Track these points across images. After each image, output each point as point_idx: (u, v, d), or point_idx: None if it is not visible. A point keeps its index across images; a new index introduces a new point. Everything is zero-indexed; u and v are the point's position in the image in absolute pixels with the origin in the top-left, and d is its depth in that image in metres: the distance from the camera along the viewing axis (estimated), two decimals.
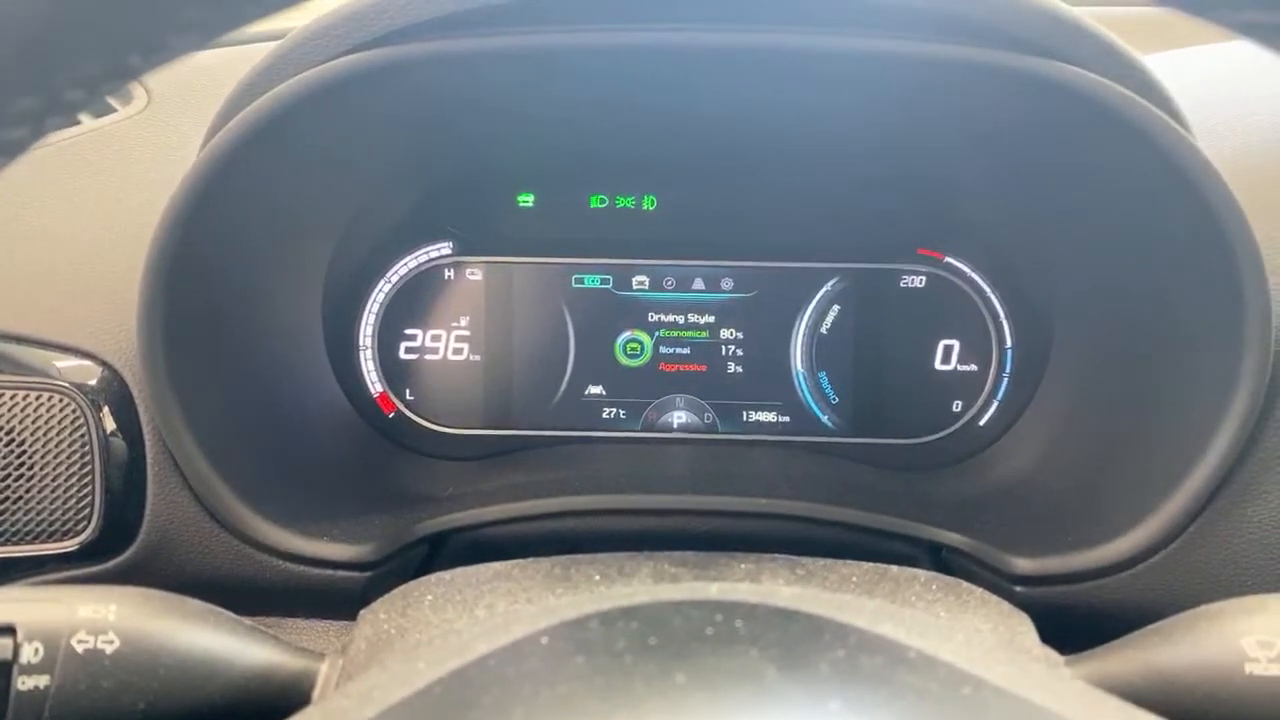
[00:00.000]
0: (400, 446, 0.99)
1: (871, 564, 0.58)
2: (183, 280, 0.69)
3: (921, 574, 0.57)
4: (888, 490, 0.94)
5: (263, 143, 0.68)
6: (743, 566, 0.53)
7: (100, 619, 0.48)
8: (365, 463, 0.93)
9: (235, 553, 0.73)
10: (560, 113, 0.87)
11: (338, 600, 0.77)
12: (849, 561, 0.58)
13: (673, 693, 0.30)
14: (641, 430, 1.01)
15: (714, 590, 0.42)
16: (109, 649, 0.47)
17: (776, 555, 0.57)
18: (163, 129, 0.81)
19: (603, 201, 0.99)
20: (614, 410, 1.01)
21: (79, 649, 0.47)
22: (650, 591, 0.42)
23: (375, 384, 0.99)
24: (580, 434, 1.01)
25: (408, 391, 1.00)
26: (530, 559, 0.59)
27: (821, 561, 0.56)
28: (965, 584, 0.58)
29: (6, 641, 0.46)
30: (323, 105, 0.69)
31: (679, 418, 1.01)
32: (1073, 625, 0.63)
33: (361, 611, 0.58)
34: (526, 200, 0.98)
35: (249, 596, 0.76)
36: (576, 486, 0.88)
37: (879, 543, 0.83)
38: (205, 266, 0.71)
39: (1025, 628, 0.53)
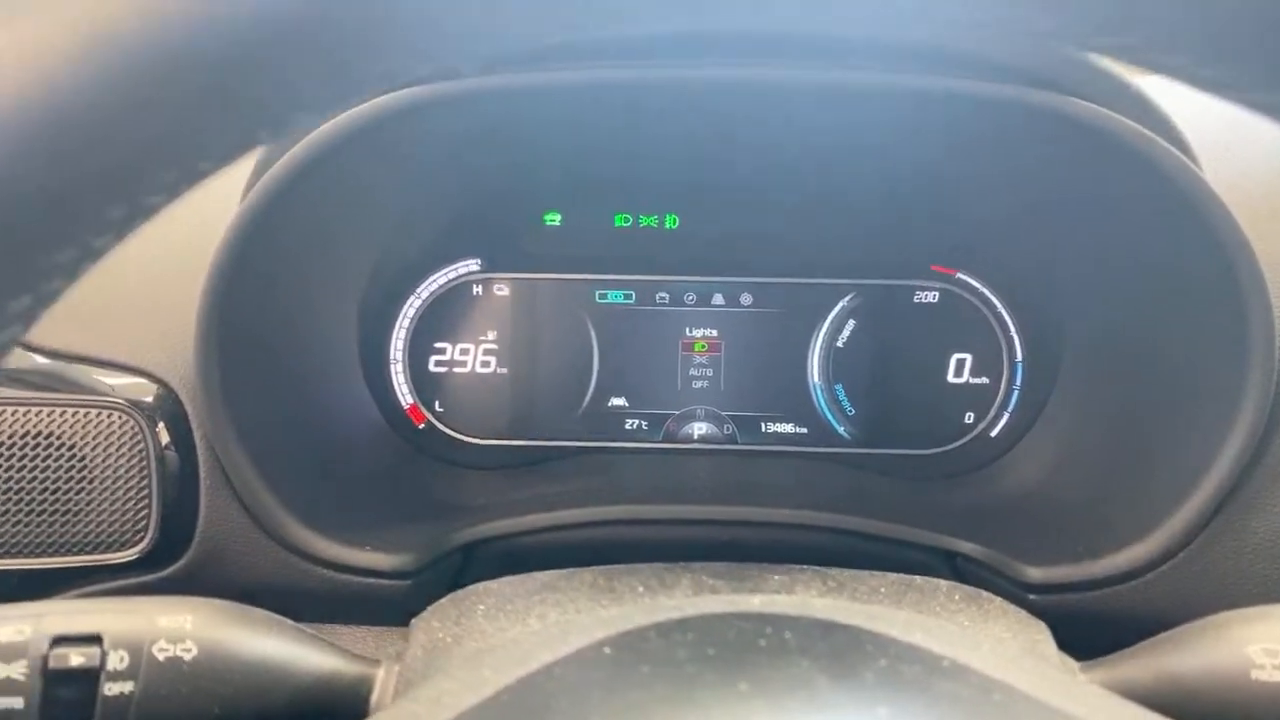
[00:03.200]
0: (431, 457, 1.02)
1: (896, 575, 0.61)
2: (236, 304, 0.73)
3: (943, 584, 0.60)
4: (903, 500, 0.97)
5: (309, 177, 0.71)
6: (776, 578, 0.56)
7: (179, 628, 0.51)
8: (399, 473, 0.97)
9: (282, 562, 0.77)
10: (588, 140, 0.90)
11: (379, 607, 0.81)
12: (875, 573, 0.61)
13: (736, 700, 0.33)
14: (663, 441, 1.04)
15: (757, 602, 0.45)
16: (187, 656, 0.50)
17: (806, 567, 0.60)
18: None
19: (627, 221, 1.02)
20: (636, 421, 1.04)
21: (160, 657, 0.50)
22: (696, 604, 0.45)
23: (406, 396, 1.02)
24: (603, 444, 1.04)
25: (437, 403, 1.03)
26: (572, 570, 0.62)
27: (849, 573, 0.60)
28: (985, 594, 0.61)
29: (94, 650, 0.49)
30: (366, 139, 0.73)
31: (699, 429, 1.04)
32: (1084, 631, 0.66)
33: (414, 620, 0.61)
34: (553, 219, 1.01)
35: (294, 603, 0.79)
36: (603, 497, 0.91)
37: (896, 551, 0.87)
38: (255, 291, 0.75)
39: (1043, 636, 0.57)
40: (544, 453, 1.04)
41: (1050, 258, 0.92)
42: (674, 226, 1.02)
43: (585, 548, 0.88)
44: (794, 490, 0.99)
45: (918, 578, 0.61)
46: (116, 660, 0.49)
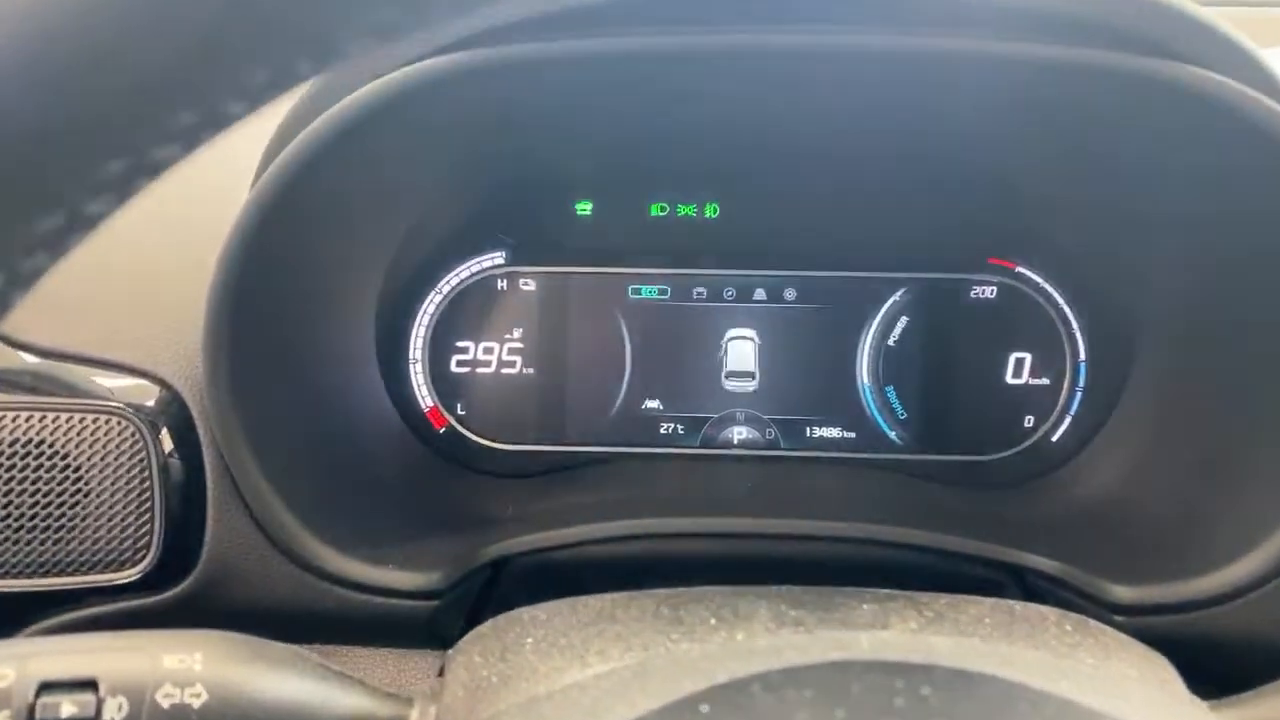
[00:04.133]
0: (453, 463, 0.95)
1: (992, 600, 0.54)
2: (246, 299, 0.66)
3: (1050, 613, 0.53)
4: (961, 510, 0.90)
5: (328, 157, 0.65)
6: (865, 607, 0.50)
7: (186, 669, 0.44)
8: (420, 482, 0.90)
9: (297, 581, 0.70)
10: (622, 120, 0.83)
11: (402, 628, 0.74)
12: (969, 598, 0.54)
13: None
14: (701, 446, 0.98)
15: (866, 645, 0.38)
16: (196, 703, 0.43)
17: (894, 593, 0.54)
18: (225, 138, 0.78)
19: (663, 210, 0.95)
20: (672, 425, 0.98)
21: (165, 704, 0.43)
22: (796, 646, 0.38)
23: (426, 398, 0.96)
24: (638, 450, 0.97)
25: (459, 406, 0.97)
26: (629, 594, 0.56)
27: (943, 600, 0.53)
28: (1093, 623, 0.54)
29: (89, 698, 0.42)
30: (389, 115, 0.66)
31: (739, 433, 0.98)
32: (1178, 657, 0.60)
33: (450, 652, 0.54)
34: (585, 209, 0.94)
35: (310, 626, 0.73)
36: (639, 507, 0.85)
37: (958, 566, 0.80)
38: (267, 285, 0.68)
39: (1169, 674, 0.50)
40: (573, 459, 0.97)
41: (1126, 246, 0.85)
42: (713, 216, 0.95)
43: (621, 562, 0.82)
44: (842, 499, 0.92)
45: (1017, 604, 0.54)
46: (114, 709, 0.42)
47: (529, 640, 0.50)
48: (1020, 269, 0.95)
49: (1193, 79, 0.60)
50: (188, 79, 0.21)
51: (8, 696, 0.41)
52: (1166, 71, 0.60)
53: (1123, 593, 0.71)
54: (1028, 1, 0.61)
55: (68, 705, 0.41)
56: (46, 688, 0.41)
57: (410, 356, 0.95)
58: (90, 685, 0.42)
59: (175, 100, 0.21)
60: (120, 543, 0.65)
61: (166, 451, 0.66)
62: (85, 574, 0.64)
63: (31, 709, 0.40)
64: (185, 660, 0.44)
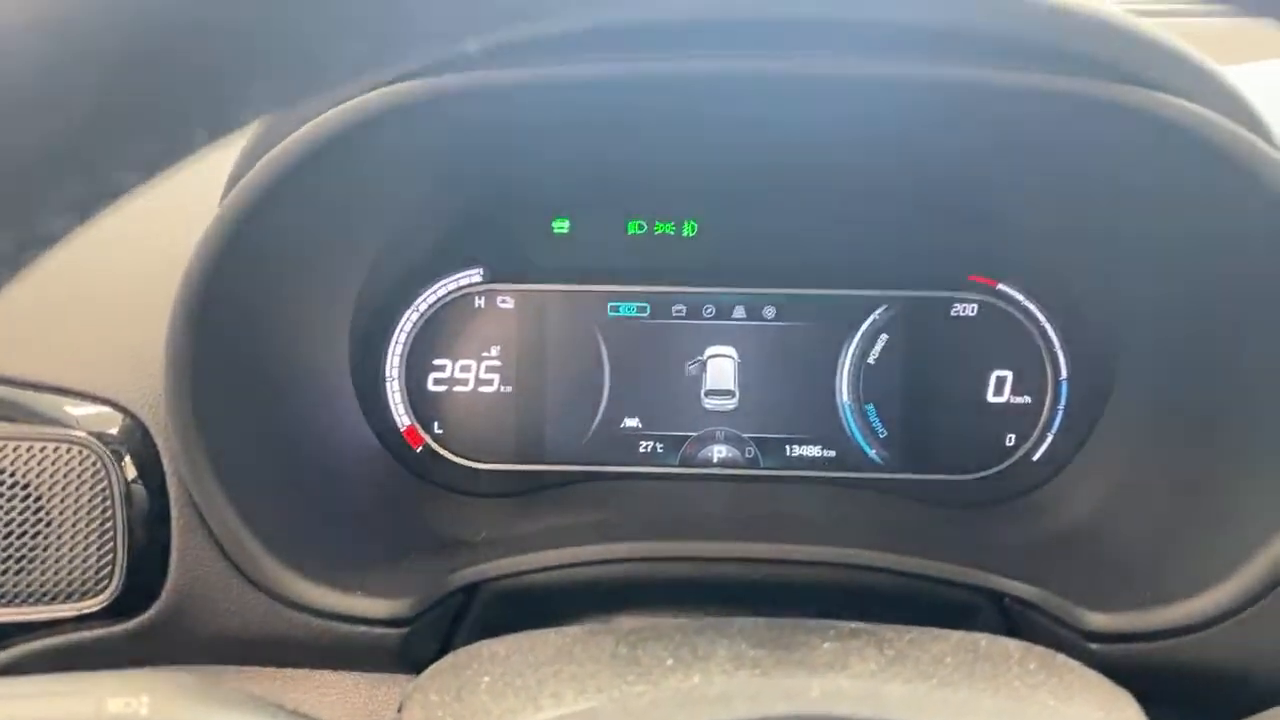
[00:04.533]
0: (429, 483, 0.94)
1: (958, 635, 0.54)
2: (210, 323, 0.65)
3: (1013, 647, 0.53)
4: (941, 533, 0.89)
5: (292, 183, 0.64)
6: (826, 645, 0.49)
7: (131, 714, 0.43)
8: (395, 504, 0.89)
9: (264, 609, 0.69)
10: (598, 138, 0.82)
11: (373, 655, 0.73)
12: (933, 631, 0.54)
13: None
14: (680, 465, 0.97)
15: (817, 694, 0.37)
16: None
17: (856, 628, 0.53)
18: (187, 165, 0.77)
19: (641, 228, 0.94)
20: (651, 444, 0.97)
21: None
22: (746, 693, 0.37)
23: (402, 417, 0.95)
24: (616, 469, 0.96)
25: (436, 425, 0.96)
26: (588, 630, 0.55)
27: (906, 635, 0.52)
28: (1059, 657, 0.54)
29: None
30: (355, 141, 0.65)
31: (719, 452, 0.97)
32: (1148, 684, 0.59)
33: (409, 689, 0.54)
34: (562, 227, 0.94)
35: (278, 651, 0.72)
36: (616, 530, 0.84)
37: (936, 590, 0.79)
38: (233, 308, 0.67)
39: (1133, 712, 0.49)
40: (551, 478, 0.96)
41: (1106, 265, 0.85)
42: (692, 234, 0.95)
43: (596, 586, 0.81)
44: (822, 520, 0.91)
45: (982, 639, 0.54)
46: None
47: (485, 679, 0.50)
48: (1001, 286, 0.94)
49: (1160, 105, 0.59)
50: (75, 152, 0.20)
51: None
52: (1136, 98, 0.59)
53: (1098, 620, 0.70)
54: (999, 28, 0.61)
55: None
56: None
57: (387, 375, 0.95)
58: None
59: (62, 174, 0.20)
60: (83, 573, 0.64)
61: (129, 479, 0.65)
62: (48, 604, 0.64)
63: None
64: (131, 704, 0.44)
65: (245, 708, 0.47)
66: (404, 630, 0.73)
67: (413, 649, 0.74)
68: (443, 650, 0.73)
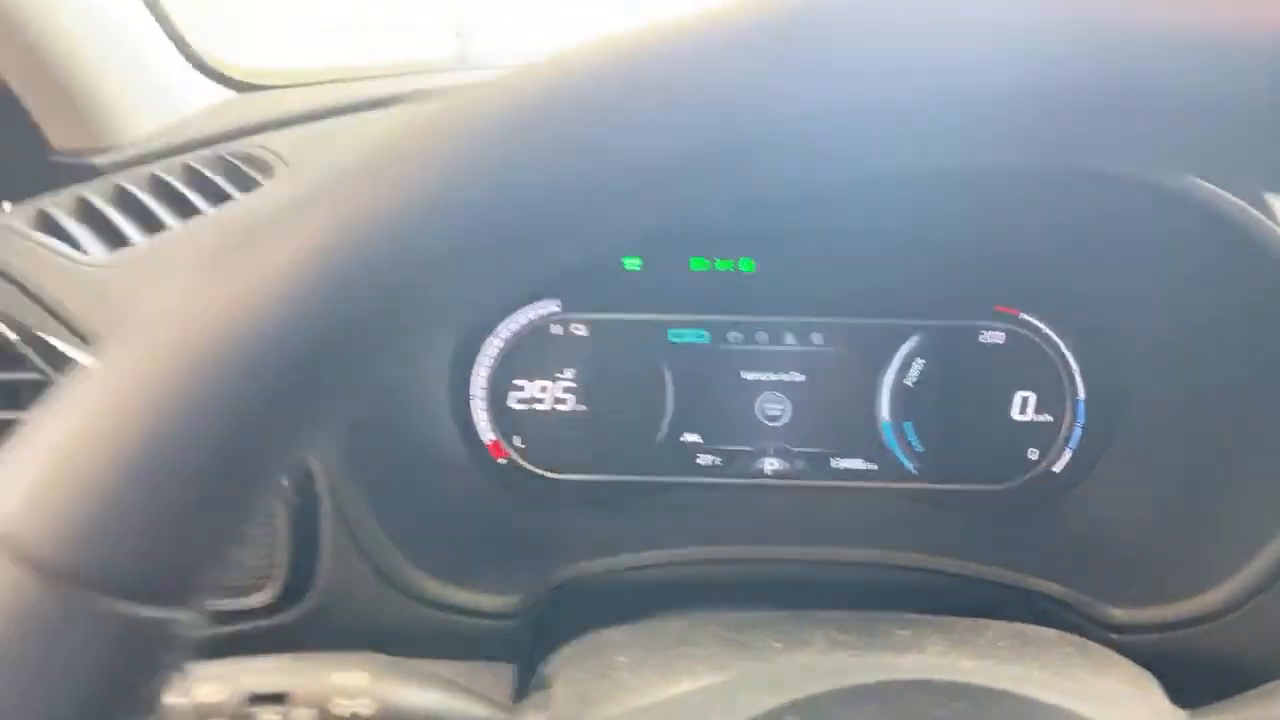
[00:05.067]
0: (514, 492, 1.05)
1: (1007, 624, 0.64)
2: None
3: (1053, 634, 0.63)
4: (974, 536, 1.00)
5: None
6: (900, 631, 0.60)
7: (355, 685, 0.54)
8: (488, 512, 1.00)
9: (398, 606, 0.80)
10: None
11: (483, 645, 0.84)
12: (985, 622, 0.65)
13: None
14: (735, 476, 1.08)
15: (909, 666, 0.48)
16: (365, 712, 0.53)
17: (924, 619, 0.64)
18: None
19: (704, 264, 1.05)
20: (710, 457, 1.08)
21: (340, 713, 0.53)
22: (857, 667, 0.48)
23: (487, 433, 1.06)
24: (679, 480, 1.07)
25: (517, 439, 1.07)
26: (692, 620, 0.66)
27: (964, 623, 0.63)
28: (1090, 643, 0.64)
29: (281, 709, 0.52)
30: None
31: (771, 464, 1.08)
32: (1168, 671, 0.70)
33: (548, 670, 0.64)
34: (633, 264, 1.05)
35: (405, 644, 0.82)
36: (683, 534, 0.95)
37: (970, 587, 0.90)
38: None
39: (1153, 686, 0.60)
40: (620, 487, 1.07)
41: (1114, 308, 0.96)
42: (749, 270, 1.05)
43: (668, 585, 0.92)
44: (867, 526, 1.02)
45: (1025, 628, 0.64)
46: (303, 718, 0.52)
47: (621, 659, 0.60)
48: (1024, 315, 1.05)
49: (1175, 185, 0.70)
50: None
51: (223, 707, 0.51)
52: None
53: (1118, 614, 0.81)
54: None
55: (266, 714, 0.52)
56: (252, 700, 0.51)
57: (473, 395, 1.05)
58: (280, 699, 0.53)
59: None
60: (249, 574, 0.75)
61: (290, 495, 0.76)
62: (227, 597, 0.75)
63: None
64: (352, 678, 0.54)
65: (432, 680, 0.58)
66: (511, 623, 0.84)
67: (516, 640, 0.85)
68: (535, 642, 0.85)
